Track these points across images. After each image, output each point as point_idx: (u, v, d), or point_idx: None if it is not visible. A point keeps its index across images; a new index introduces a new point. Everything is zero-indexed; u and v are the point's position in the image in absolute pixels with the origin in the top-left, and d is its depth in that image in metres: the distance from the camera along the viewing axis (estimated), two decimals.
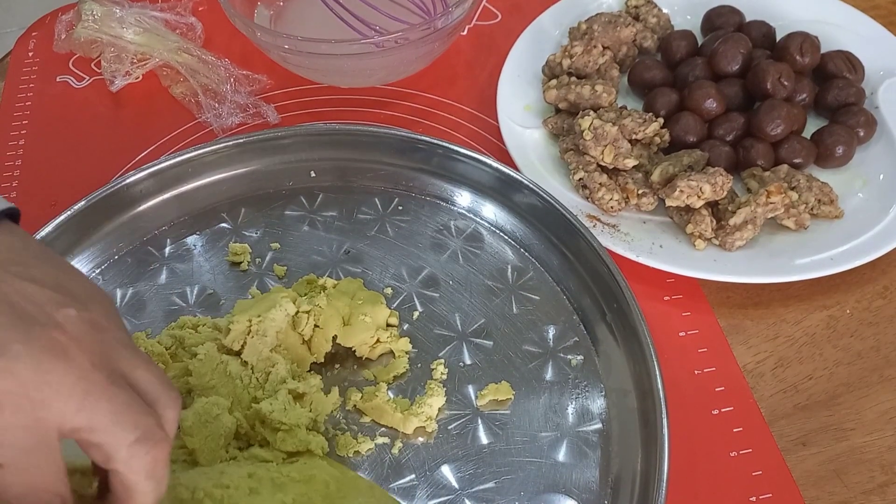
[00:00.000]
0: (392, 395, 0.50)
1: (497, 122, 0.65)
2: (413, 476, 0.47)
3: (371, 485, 0.46)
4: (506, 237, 0.58)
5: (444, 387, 0.50)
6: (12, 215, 0.37)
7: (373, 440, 0.48)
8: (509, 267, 0.57)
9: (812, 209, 0.58)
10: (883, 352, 0.54)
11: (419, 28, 0.63)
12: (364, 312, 0.51)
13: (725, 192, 0.57)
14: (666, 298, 0.57)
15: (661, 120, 0.61)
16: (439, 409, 0.49)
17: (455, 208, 0.60)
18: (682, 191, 0.56)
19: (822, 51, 0.66)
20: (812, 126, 0.64)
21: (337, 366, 0.52)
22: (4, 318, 0.30)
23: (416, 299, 0.55)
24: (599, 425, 0.49)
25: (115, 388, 0.31)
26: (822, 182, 0.59)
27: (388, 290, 0.55)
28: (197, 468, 0.45)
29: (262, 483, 0.43)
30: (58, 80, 0.74)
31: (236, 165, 0.61)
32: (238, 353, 0.50)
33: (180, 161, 0.59)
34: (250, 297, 0.55)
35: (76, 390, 0.30)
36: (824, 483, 0.48)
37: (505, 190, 0.58)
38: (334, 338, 0.51)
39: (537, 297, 0.55)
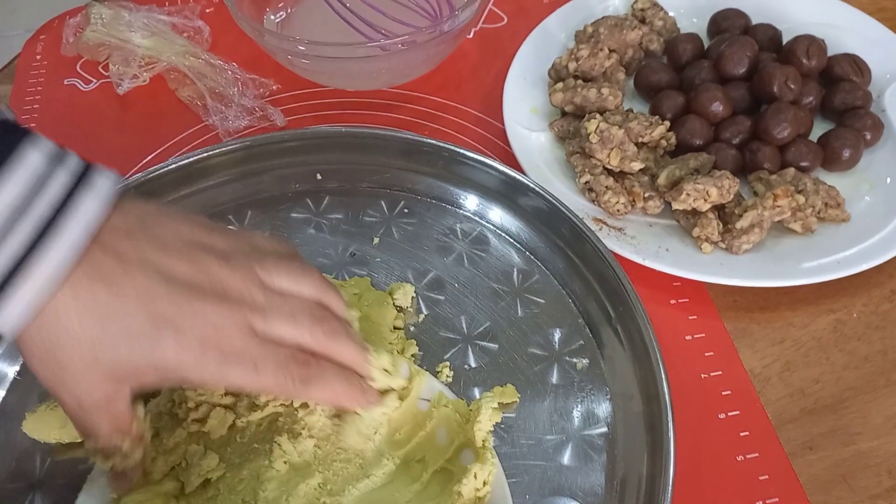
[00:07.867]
0: None
1: (503, 125, 0.65)
2: None
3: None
4: (511, 240, 0.58)
5: (449, 390, 0.50)
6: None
7: None
8: (515, 270, 0.57)
9: (819, 213, 0.58)
10: (890, 356, 0.54)
11: (425, 31, 0.64)
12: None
13: (732, 196, 0.57)
14: (672, 302, 0.56)
15: (668, 123, 0.61)
16: None
17: (461, 211, 0.60)
18: (688, 194, 0.56)
19: (829, 54, 0.66)
20: (819, 129, 0.64)
21: None
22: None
23: (421, 302, 0.55)
24: (605, 429, 0.49)
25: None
26: (829, 185, 0.59)
27: None
28: None
29: None
30: (65, 83, 0.74)
31: (242, 168, 0.61)
32: None
33: (186, 164, 0.59)
34: None
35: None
36: (831, 488, 0.48)
37: (511, 193, 0.58)
38: None
39: (543, 301, 0.55)
